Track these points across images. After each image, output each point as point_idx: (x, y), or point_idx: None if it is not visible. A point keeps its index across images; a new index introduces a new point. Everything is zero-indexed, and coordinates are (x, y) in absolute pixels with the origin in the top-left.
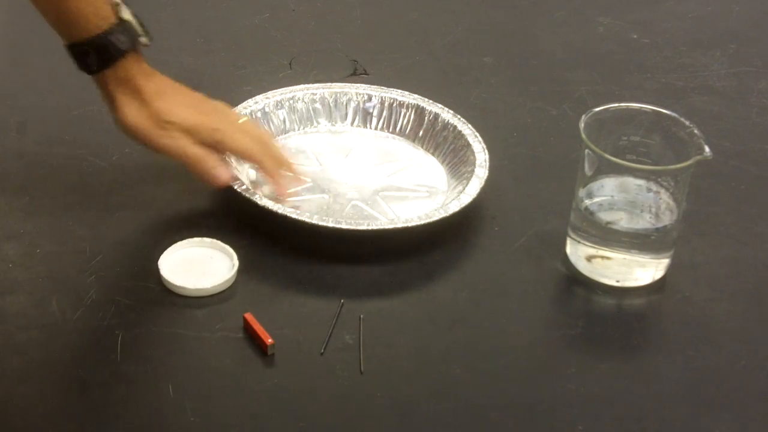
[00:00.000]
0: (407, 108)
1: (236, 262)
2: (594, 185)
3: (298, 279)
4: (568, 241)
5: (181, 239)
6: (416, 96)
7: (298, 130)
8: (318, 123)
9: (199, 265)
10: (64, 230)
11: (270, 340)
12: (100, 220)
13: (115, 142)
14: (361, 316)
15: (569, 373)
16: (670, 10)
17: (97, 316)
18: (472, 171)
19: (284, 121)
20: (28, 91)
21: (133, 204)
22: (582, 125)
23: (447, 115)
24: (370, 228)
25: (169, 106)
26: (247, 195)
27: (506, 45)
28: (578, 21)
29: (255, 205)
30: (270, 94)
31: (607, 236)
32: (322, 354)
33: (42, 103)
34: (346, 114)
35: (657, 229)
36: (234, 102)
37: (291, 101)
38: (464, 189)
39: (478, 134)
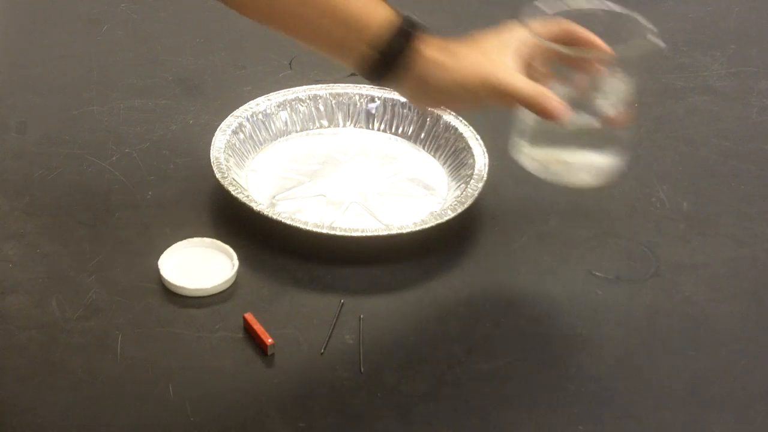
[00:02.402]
0: (409, 109)
1: (236, 262)
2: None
3: (298, 279)
4: (516, 146)
5: (181, 239)
6: None
7: (300, 131)
8: (320, 124)
9: (199, 265)
10: (64, 230)
11: (270, 340)
12: (100, 220)
13: (115, 142)
14: (361, 316)
15: (569, 373)
16: (670, 10)
17: (97, 316)
18: (472, 174)
19: (286, 123)
20: (28, 91)
21: (133, 204)
22: (526, 21)
23: (449, 117)
24: (363, 235)
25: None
26: (244, 200)
27: None
28: None
29: (251, 210)
30: (272, 95)
31: (554, 133)
32: (322, 354)
33: (42, 103)
34: (348, 115)
35: (601, 121)
36: (234, 103)
37: (293, 102)
38: (461, 194)
39: (479, 137)
